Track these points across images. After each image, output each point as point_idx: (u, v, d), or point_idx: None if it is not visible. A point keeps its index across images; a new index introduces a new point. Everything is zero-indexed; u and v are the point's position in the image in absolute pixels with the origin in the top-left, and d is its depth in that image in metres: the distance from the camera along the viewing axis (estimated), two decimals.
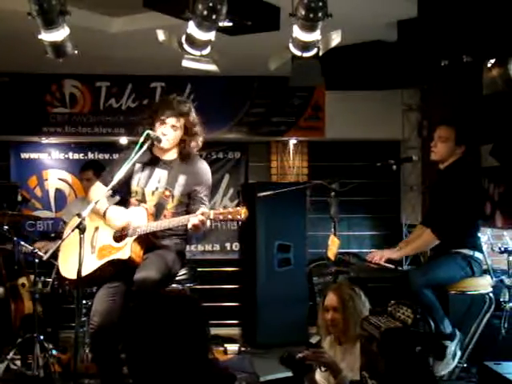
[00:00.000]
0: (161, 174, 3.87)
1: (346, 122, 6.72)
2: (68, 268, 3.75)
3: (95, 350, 3.85)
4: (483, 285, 4.35)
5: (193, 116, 3.87)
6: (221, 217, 3.53)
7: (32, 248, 4.95)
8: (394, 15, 4.53)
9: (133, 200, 3.89)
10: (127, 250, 3.66)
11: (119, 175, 3.64)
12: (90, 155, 6.87)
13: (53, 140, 6.79)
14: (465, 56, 4.16)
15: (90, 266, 3.69)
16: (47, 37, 3.63)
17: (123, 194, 4.00)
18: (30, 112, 6.51)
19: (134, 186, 3.89)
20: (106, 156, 6.81)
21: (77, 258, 3.29)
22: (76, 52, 3.80)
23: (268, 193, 4.86)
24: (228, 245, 7.06)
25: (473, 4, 4.05)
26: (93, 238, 3.81)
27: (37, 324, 4.75)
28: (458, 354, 4.18)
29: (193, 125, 3.86)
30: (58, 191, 6.88)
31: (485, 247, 4.59)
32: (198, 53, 3.87)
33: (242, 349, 6.09)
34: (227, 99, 6.70)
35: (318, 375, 3.25)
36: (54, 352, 4.84)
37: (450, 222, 4.21)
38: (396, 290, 4.28)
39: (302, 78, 4.96)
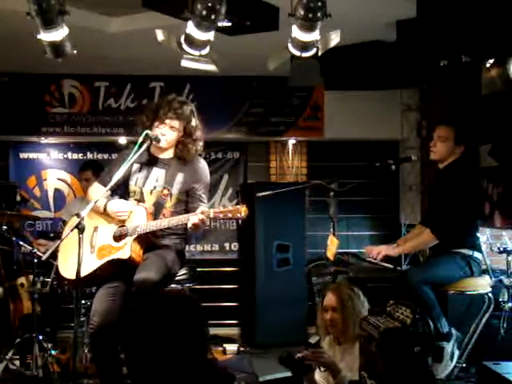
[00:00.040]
0: (158, 173, 3.87)
1: (345, 122, 6.72)
2: (67, 268, 3.74)
3: (94, 350, 3.85)
4: (482, 285, 4.35)
5: (194, 120, 3.86)
6: (221, 215, 3.52)
7: (31, 248, 4.95)
8: (393, 15, 4.54)
9: (131, 200, 3.89)
10: (127, 249, 3.66)
11: (118, 175, 3.64)
12: (89, 155, 6.87)
13: (52, 140, 6.79)
14: (464, 56, 4.16)
15: (90, 265, 3.69)
16: (46, 37, 3.63)
17: (121, 194, 3.99)
18: (29, 112, 6.51)
19: (132, 185, 3.88)
20: (105, 156, 6.81)
21: (76, 257, 3.29)
22: (75, 52, 3.80)
23: (267, 193, 4.86)
24: (227, 245, 7.06)
25: (472, 4, 4.05)
26: (92, 238, 3.80)
27: (36, 324, 4.75)
28: (456, 353, 4.18)
29: (193, 130, 3.84)
30: (57, 191, 6.88)
31: (484, 247, 4.59)
32: (197, 53, 3.87)
33: (241, 349, 6.09)
34: (226, 99, 6.70)
35: (317, 375, 3.25)
36: (53, 352, 4.83)
37: (449, 222, 4.21)
38: (395, 289, 4.28)
39: (300, 78, 4.97)
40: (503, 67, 4.21)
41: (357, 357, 2.97)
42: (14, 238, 5.04)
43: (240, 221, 6.24)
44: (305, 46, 3.80)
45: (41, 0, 3.31)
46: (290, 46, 3.85)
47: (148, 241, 3.75)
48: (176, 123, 3.80)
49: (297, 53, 3.87)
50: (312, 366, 3.13)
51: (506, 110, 5.04)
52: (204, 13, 3.45)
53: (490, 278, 4.42)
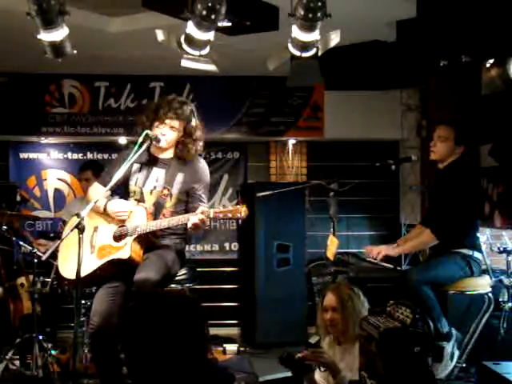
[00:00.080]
0: (158, 173, 3.87)
1: (345, 122, 6.72)
2: (67, 268, 3.74)
3: (94, 350, 3.84)
4: (482, 285, 4.35)
5: (194, 120, 3.86)
6: (221, 215, 3.52)
7: (31, 248, 4.95)
8: (392, 15, 4.53)
9: (131, 200, 3.88)
10: (127, 249, 3.65)
11: (118, 175, 3.64)
12: (89, 155, 6.87)
13: (52, 140, 6.79)
14: (464, 56, 4.16)
15: (90, 265, 3.69)
16: (46, 37, 3.63)
17: (121, 194, 3.99)
18: (29, 112, 6.51)
19: (132, 185, 3.88)
20: (105, 156, 6.81)
21: (76, 257, 3.29)
22: (75, 52, 3.80)
23: (267, 193, 4.86)
24: (227, 245, 7.06)
25: (471, 4, 4.05)
26: (92, 238, 3.80)
27: (36, 324, 4.75)
28: (456, 353, 4.18)
29: (193, 130, 3.84)
30: (57, 191, 6.88)
31: (484, 247, 4.60)
32: (197, 53, 3.87)
33: (241, 349, 6.09)
34: (226, 99, 6.69)
35: (317, 375, 3.25)
36: (53, 352, 4.83)
37: (449, 222, 4.21)
38: (395, 289, 4.29)
39: (300, 78, 4.96)
40: (503, 67, 4.22)
41: (357, 357, 2.96)
42: (14, 238, 5.04)
43: (240, 221, 6.23)
44: (305, 46, 3.80)
45: (41, 0, 3.32)
46: (289, 45, 3.85)
47: (148, 241, 3.74)
48: (176, 123, 3.80)
49: (297, 53, 3.87)
50: (312, 366, 3.13)
51: (506, 109, 5.04)
52: (204, 13, 3.45)
53: (490, 277, 4.43)
